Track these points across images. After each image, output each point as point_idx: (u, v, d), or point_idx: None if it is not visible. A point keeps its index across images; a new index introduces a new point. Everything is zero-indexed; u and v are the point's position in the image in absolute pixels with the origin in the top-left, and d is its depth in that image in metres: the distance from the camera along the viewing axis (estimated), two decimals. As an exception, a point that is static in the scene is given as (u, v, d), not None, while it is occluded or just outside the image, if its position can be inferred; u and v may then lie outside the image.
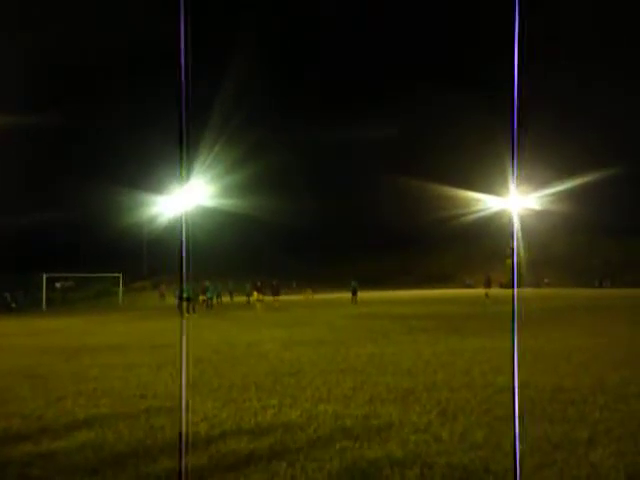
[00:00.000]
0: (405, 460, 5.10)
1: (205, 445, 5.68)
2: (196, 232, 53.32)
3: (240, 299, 43.38)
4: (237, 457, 5.32)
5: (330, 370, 10.06)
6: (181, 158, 3.16)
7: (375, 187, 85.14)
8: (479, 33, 73.17)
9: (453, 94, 73.13)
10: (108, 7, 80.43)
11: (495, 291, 38.64)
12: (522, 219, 64.97)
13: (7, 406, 7.70)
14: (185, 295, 29.10)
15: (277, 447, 5.59)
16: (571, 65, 72.78)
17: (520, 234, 60.73)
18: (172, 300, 46.45)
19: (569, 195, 65.71)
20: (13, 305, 44.31)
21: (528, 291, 44.32)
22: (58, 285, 58.56)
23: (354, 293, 38.16)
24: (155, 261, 70.65)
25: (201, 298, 35.78)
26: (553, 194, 65.36)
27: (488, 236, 69.77)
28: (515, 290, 3.10)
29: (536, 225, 67.85)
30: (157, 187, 57.92)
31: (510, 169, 3.30)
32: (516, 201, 38.02)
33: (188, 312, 30.22)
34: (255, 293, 36.87)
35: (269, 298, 35.65)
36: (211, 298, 36.22)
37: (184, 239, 3.10)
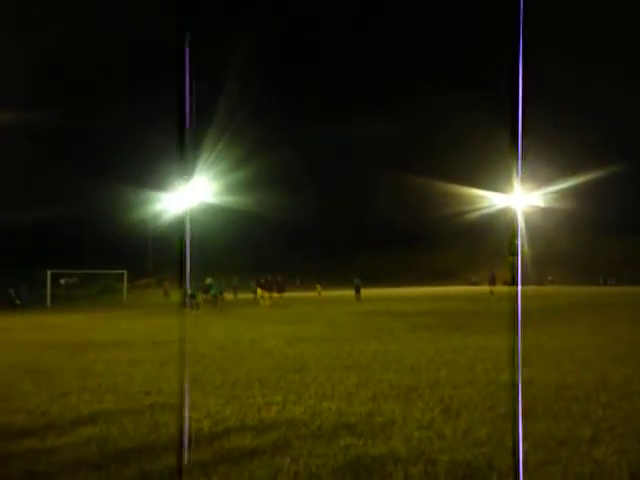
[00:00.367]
0: (408, 457, 5.10)
1: (209, 441, 5.68)
2: (200, 229, 53.44)
3: (244, 296, 43.40)
4: (241, 453, 5.33)
5: (334, 367, 10.07)
6: (183, 157, 3.18)
7: (378, 184, 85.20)
8: (479, 33, 72.98)
9: (453, 94, 73.03)
10: (108, 7, 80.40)
11: (500, 288, 38.57)
12: (526, 216, 64.86)
13: (11, 401, 7.72)
14: (189, 292, 29.19)
15: (281, 443, 5.59)
16: (572, 64, 72.64)
17: (524, 231, 60.63)
18: (176, 297, 46.49)
19: (573, 193, 65.68)
20: (17, 301, 44.39)
21: (531, 289, 44.22)
22: (62, 281, 58.61)
23: (357, 290, 38.16)
24: (159, 258, 70.76)
25: (203, 297, 35.81)
26: (557, 192, 65.28)
27: (493, 233, 69.72)
28: (519, 287, 3.10)
29: (540, 222, 67.79)
30: (161, 184, 58.09)
31: (514, 166, 3.30)
32: (520, 198, 37.90)
33: (192, 308, 30.31)
34: (259, 290, 36.94)
35: (276, 295, 35.64)
36: (215, 295, 36.23)
37: (188, 236, 3.11)
